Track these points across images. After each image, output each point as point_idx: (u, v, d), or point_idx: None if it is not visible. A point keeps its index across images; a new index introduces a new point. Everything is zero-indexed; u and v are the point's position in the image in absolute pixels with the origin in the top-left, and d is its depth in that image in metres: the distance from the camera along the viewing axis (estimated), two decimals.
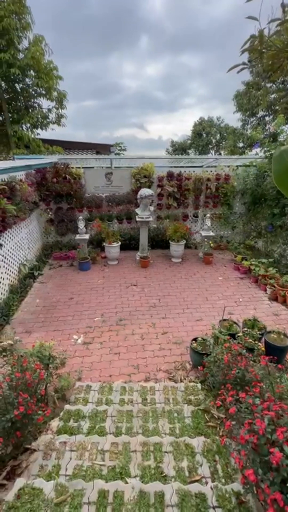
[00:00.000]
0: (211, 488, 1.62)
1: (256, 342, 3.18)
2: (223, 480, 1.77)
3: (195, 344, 3.22)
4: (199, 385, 2.90)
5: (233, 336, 3.29)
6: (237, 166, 7.37)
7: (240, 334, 3.31)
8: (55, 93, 7.98)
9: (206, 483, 1.75)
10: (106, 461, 1.89)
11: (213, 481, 1.76)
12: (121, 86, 71.37)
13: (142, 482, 1.74)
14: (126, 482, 1.72)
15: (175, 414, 2.44)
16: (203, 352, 3.06)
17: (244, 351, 2.51)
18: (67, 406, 2.54)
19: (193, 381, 3.06)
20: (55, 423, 2.39)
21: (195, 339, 3.33)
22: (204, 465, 1.87)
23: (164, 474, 1.81)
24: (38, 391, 2.09)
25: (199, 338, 3.30)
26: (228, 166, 7.43)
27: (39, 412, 1.95)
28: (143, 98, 71.89)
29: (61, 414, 2.46)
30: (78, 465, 1.86)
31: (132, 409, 2.51)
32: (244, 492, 1.42)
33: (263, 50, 2.12)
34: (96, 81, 71.28)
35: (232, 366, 2.34)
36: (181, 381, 3.09)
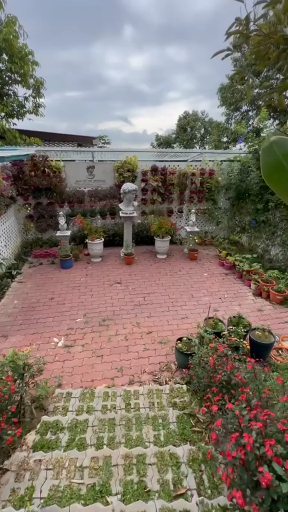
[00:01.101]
0: (197, 504, 1.53)
1: (241, 340, 3.14)
2: (209, 491, 1.69)
3: (180, 345, 3.13)
4: (184, 387, 2.82)
5: (218, 334, 3.23)
6: (221, 161, 7.31)
7: (225, 332, 3.26)
8: (31, 80, 7.49)
9: (192, 496, 1.66)
10: (85, 479, 1.75)
11: (198, 493, 1.68)
12: (105, 77, 69.22)
13: (123, 500, 1.63)
14: (107, 502, 1.59)
15: (160, 420, 2.34)
16: (188, 352, 2.98)
17: (230, 352, 2.44)
18: (44, 417, 2.37)
19: (178, 383, 2.98)
20: (31, 437, 2.22)
21: (180, 339, 3.24)
22: (190, 476, 1.78)
23: (148, 489, 1.70)
24: (8, 407, 1.90)
25: (184, 338, 3.21)
26: (213, 161, 7.36)
27: (9, 431, 1.77)
28: (128, 91, 70.22)
29: (38, 426, 2.28)
30: (54, 486, 1.71)
31: (114, 416, 2.38)
32: (232, 508, 1.33)
33: (249, 35, 1.98)
34: (79, 71, 68.74)
35: (218, 369, 2.26)
36: (166, 383, 3.00)
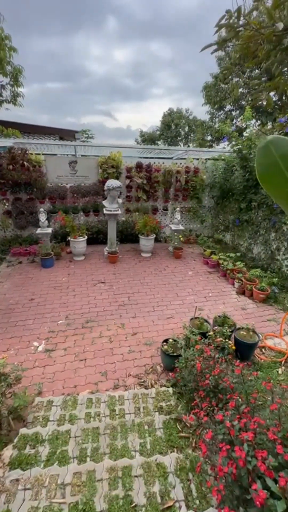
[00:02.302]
0: None
1: (227, 340, 3.14)
2: (197, 502, 1.64)
3: (166, 347, 3.07)
4: (170, 390, 2.76)
5: (204, 335, 3.21)
6: (206, 160, 7.33)
7: (211, 333, 3.24)
8: (8, 67, 7.05)
9: (180, 508, 1.60)
10: (67, 498, 1.64)
11: (187, 504, 1.62)
12: (88, 69, 67.07)
13: None
14: None
15: (146, 427, 2.27)
16: (174, 354, 2.93)
17: (217, 355, 2.40)
18: (23, 430, 2.21)
19: (164, 385, 2.92)
20: (8, 452, 2.06)
21: (166, 341, 3.18)
22: (177, 486, 1.72)
23: (134, 504, 1.62)
24: None
25: (170, 340, 3.16)
26: (198, 159, 7.36)
27: None
28: (111, 85, 68.60)
29: (15, 440, 2.13)
30: (33, 508, 1.58)
31: (98, 425, 2.27)
32: None
33: (239, 29, 1.91)
34: (61, 62, 66.12)
35: (205, 372, 2.21)
36: (152, 386, 2.93)
